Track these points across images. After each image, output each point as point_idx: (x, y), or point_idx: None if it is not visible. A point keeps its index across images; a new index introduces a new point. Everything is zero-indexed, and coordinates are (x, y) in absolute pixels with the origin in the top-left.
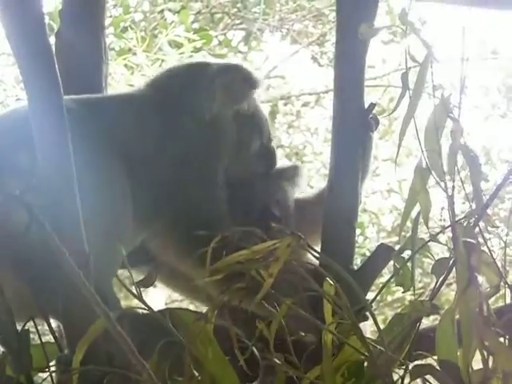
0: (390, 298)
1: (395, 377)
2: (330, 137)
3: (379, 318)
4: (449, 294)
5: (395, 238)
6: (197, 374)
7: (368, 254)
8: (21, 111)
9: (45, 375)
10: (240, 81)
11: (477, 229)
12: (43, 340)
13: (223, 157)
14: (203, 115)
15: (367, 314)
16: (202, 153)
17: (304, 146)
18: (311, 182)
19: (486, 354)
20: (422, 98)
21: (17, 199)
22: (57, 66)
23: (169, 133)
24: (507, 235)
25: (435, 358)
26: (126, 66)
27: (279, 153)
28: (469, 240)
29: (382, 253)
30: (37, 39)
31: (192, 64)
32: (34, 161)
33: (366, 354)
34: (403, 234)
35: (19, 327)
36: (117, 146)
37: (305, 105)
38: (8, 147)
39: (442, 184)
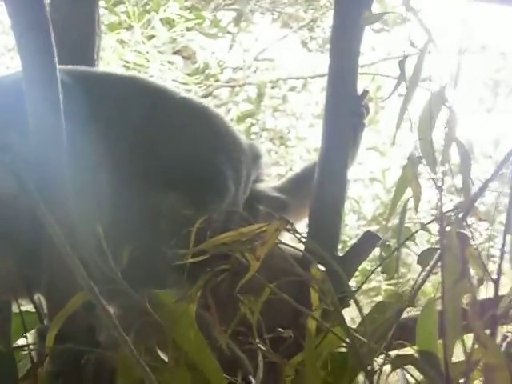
0: (365, 287)
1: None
2: (314, 122)
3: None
4: (424, 284)
5: (375, 227)
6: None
7: (347, 240)
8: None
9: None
10: None
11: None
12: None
13: None
14: None
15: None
16: None
17: (288, 131)
18: (294, 166)
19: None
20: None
21: (5, 167)
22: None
23: None
24: (489, 229)
25: (415, 348)
26: (117, 40)
27: (264, 136)
28: (462, 231)
29: (368, 240)
30: (34, 8)
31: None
32: (24, 130)
33: (348, 341)
34: (383, 221)
35: None
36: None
37: (291, 89)
38: None
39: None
